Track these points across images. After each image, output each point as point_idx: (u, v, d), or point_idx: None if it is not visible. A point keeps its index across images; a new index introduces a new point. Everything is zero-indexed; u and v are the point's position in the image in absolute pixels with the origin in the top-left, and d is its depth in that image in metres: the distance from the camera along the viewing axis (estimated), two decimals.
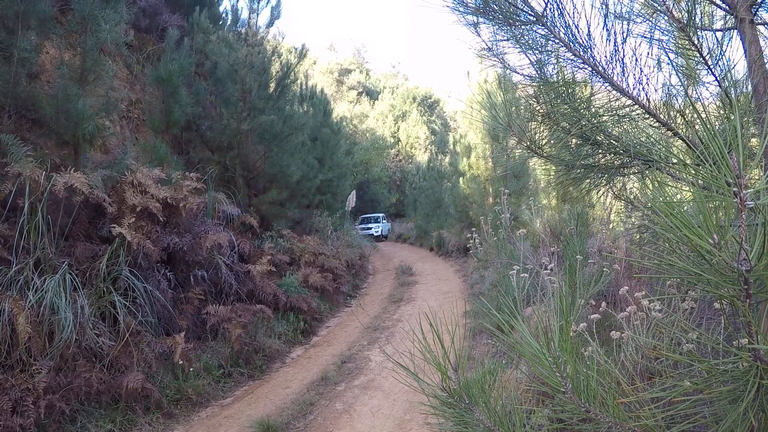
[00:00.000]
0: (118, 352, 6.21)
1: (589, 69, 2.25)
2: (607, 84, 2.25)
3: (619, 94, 2.25)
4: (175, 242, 7.79)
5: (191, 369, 6.90)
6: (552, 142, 2.86)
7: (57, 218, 6.47)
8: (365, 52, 62.59)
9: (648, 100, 2.22)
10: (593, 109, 2.46)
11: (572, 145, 2.76)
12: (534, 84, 2.70)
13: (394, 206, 39.13)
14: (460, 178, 18.48)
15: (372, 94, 50.99)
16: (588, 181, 2.88)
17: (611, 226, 8.13)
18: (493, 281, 10.23)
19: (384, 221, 36.91)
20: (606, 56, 2.17)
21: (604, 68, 2.19)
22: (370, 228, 34.86)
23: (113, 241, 6.93)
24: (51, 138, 7.26)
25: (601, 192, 3.21)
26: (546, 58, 2.48)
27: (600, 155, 2.60)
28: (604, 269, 4.02)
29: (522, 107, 3.11)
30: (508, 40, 2.60)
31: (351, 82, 51.95)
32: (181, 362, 6.73)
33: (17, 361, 5.30)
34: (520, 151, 3.09)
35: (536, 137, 2.90)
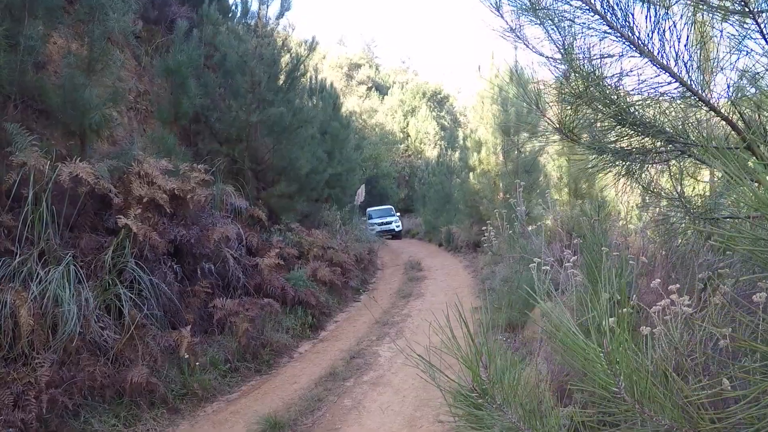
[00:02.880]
0: (123, 346, 6.10)
1: (627, 43, 2.11)
2: (646, 59, 2.11)
3: (659, 69, 2.10)
4: (182, 234, 7.67)
5: (197, 363, 6.78)
6: (582, 124, 2.71)
7: (62, 209, 6.34)
8: (375, 47, 62.44)
9: (690, 78, 2.08)
10: (627, 89, 2.32)
11: (604, 128, 2.62)
12: (561, 62, 2.55)
13: (402, 201, 38.90)
14: (470, 173, 18.32)
15: (381, 89, 50.83)
16: (618, 168, 2.74)
17: (622, 222, 7.98)
18: (505, 277, 10.08)
19: (397, 215, 33.11)
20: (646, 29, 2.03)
21: (643, 42, 2.05)
22: (389, 223, 31.52)
23: (119, 233, 6.82)
24: (57, 128, 7.15)
25: (629, 181, 3.07)
26: (579, 30, 2.34)
27: (635, 138, 2.46)
28: (631, 261, 3.86)
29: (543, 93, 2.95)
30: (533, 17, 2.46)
31: (360, 77, 51.80)
32: (186, 356, 6.61)
33: (19, 354, 5.19)
34: (548, 135, 2.92)
35: (565, 119, 2.74)
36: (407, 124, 44.38)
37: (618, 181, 3.09)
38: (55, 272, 5.76)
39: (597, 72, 2.46)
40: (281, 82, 12.88)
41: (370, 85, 51.37)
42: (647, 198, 3.67)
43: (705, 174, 3.50)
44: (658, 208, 4.63)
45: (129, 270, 6.65)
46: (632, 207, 8.43)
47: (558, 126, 2.74)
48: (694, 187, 2.98)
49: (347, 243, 14.76)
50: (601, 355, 1.51)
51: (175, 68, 9.77)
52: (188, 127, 11.40)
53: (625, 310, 1.56)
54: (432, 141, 42.06)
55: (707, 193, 3.23)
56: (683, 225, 3.32)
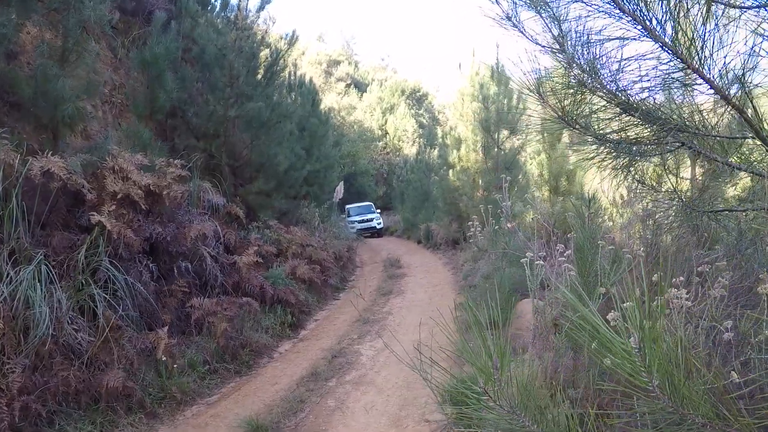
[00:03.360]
0: (98, 349, 5.88)
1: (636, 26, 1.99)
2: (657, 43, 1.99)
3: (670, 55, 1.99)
4: (157, 232, 7.45)
5: (175, 366, 6.59)
6: (583, 113, 2.58)
7: (33, 206, 6.10)
8: (354, 44, 62.17)
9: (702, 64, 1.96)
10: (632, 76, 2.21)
11: (607, 117, 2.50)
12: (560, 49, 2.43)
13: (380, 199, 38.73)
14: (450, 171, 18.24)
15: (360, 87, 50.65)
16: (617, 161, 2.63)
17: (606, 217, 7.92)
18: (486, 273, 9.99)
19: (377, 212, 31.73)
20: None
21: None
22: (370, 220, 30.26)
23: (92, 231, 6.59)
24: (29, 122, 6.91)
25: (626, 175, 2.98)
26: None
27: (638, 128, 2.35)
28: (627, 255, 3.75)
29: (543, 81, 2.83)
30: None
31: (339, 73, 51.56)
32: (164, 359, 6.41)
33: None
34: (548, 121, 2.79)
35: (568, 107, 2.61)
36: (386, 121, 44.27)
37: (617, 175, 2.99)
38: (25, 272, 5.53)
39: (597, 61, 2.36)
40: (260, 76, 12.67)
41: (349, 82, 51.14)
42: (641, 192, 3.57)
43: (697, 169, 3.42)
44: (648, 203, 4.53)
45: (103, 269, 6.43)
46: (615, 202, 8.39)
47: (560, 114, 2.60)
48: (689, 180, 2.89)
49: (326, 240, 14.60)
50: (635, 350, 1.37)
51: (152, 60, 9.52)
52: (164, 122, 11.14)
53: (658, 301, 1.43)
54: (410, 139, 42.00)
55: (706, 184, 3.14)
56: (679, 218, 3.24)
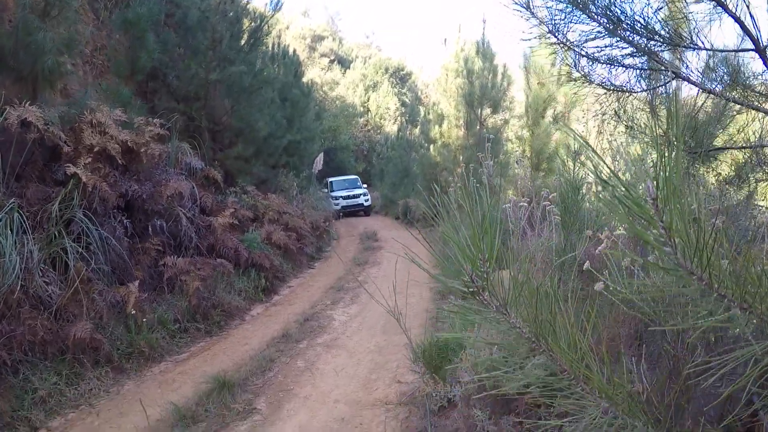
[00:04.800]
0: (67, 300, 5.82)
1: None
2: None
3: None
4: (134, 189, 7.37)
5: (144, 320, 6.53)
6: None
7: (8, 157, 6.01)
8: (339, 21, 61.82)
9: None
10: None
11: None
12: None
13: (360, 176, 38.56)
14: (431, 146, 18.23)
15: (344, 63, 50.28)
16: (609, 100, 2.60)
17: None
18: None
19: (365, 187, 28.31)
20: None
21: None
22: (356, 197, 26.70)
23: (68, 183, 6.51)
24: (9, 76, 6.76)
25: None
26: None
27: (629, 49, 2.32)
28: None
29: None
30: None
31: (323, 49, 51.08)
32: (134, 312, 6.35)
33: None
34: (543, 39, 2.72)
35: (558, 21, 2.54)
36: (368, 98, 44.06)
37: (605, 121, 2.96)
38: None
39: None
40: (243, 42, 12.50)
41: (332, 58, 50.72)
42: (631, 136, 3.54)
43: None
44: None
45: (77, 221, 6.35)
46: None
47: (551, 29, 2.56)
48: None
49: (303, 210, 14.52)
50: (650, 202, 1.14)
51: (134, 20, 9.35)
52: (145, 84, 10.97)
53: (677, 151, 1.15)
54: (392, 117, 41.87)
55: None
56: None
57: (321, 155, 20.20)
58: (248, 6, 13.25)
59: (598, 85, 2.57)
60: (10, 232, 5.51)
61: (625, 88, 2.54)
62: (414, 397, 4.70)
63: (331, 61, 49.75)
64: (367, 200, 27.12)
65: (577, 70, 2.68)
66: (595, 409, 1.53)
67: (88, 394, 5.41)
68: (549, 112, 12.99)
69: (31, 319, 5.33)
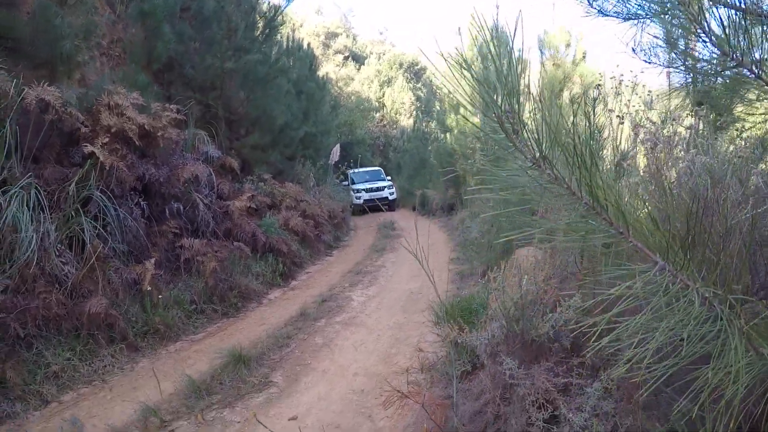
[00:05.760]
0: (83, 278, 5.77)
1: None
2: None
3: None
4: (151, 173, 7.32)
5: (160, 297, 6.48)
6: None
7: (26, 140, 5.98)
8: (352, 17, 61.76)
9: None
10: None
11: None
12: None
13: None
14: (447, 134, 18.10)
15: (358, 59, 50.15)
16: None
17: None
18: (483, 231, 9.90)
19: (389, 179, 25.78)
20: None
21: None
22: (381, 189, 23.83)
23: (85, 163, 6.48)
24: (26, 63, 6.73)
25: None
26: None
27: None
28: None
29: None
30: None
31: (338, 46, 50.98)
32: (149, 289, 6.29)
33: None
34: None
35: None
36: (383, 94, 43.91)
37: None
38: (15, 194, 5.42)
39: None
40: (258, 32, 12.47)
41: (347, 54, 50.60)
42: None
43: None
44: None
45: (94, 201, 6.31)
46: None
47: None
48: None
49: (320, 200, 14.46)
50: None
51: (150, 11, 9.38)
52: (161, 75, 10.93)
53: None
54: (408, 111, 41.70)
55: None
56: None
57: (338, 146, 20.08)
58: None
59: (612, 15, 2.44)
60: (26, 208, 5.48)
61: (639, 13, 2.40)
62: (435, 366, 4.61)
63: (346, 58, 49.68)
64: (392, 193, 24.32)
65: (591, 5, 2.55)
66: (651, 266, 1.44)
67: (102, 371, 5.38)
68: (565, 94, 12.81)
69: (46, 293, 5.29)
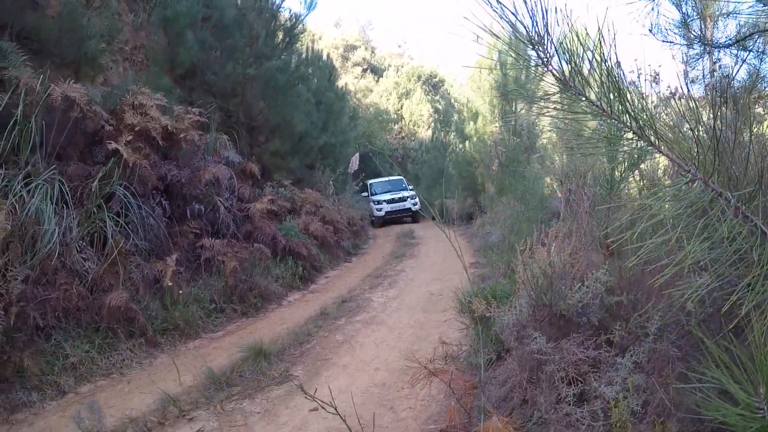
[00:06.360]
0: (104, 271, 5.77)
1: None
2: None
3: None
4: (173, 173, 7.36)
5: (180, 292, 6.49)
6: None
7: (50, 137, 6.02)
8: (371, 30, 61.90)
9: None
10: None
11: None
12: None
13: None
14: (466, 142, 18.08)
15: (377, 72, 50.32)
16: None
17: None
18: (502, 236, 9.83)
19: (411, 188, 23.62)
20: None
21: None
22: (403, 200, 22.02)
23: (108, 161, 6.51)
24: (52, 62, 6.80)
25: None
26: None
27: None
28: None
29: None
30: None
31: (356, 58, 51.18)
32: (170, 284, 6.28)
33: None
34: None
35: None
36: (401, 106, 43.96)
37: None
38: (38, 187, 5.45)
39: None
40: (278, 40, 12.54)
41: (365, 66, 50.78)
42: None
43: None
44: None
45: (118, 197, 6.33)
46: None
47: None
48: None
49: (339, 207, 14.47)
50: None
51: (173, 18, 9.53)
52: (183, 81, 11.03)
53: None
54: (426, 123, 41.74)
55: None
56: None
57: (357, 155, 20.06)
58: (283, 4, 13.30)
59: None
60: (50, 201, 5.49)
61: None
62: (459, 358, 4.54)
63: (364, 70, 49.86)
64: (415, 204, 22.08)
65: None
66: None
67: (120, 364, 5.38)
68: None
69: (67, 285, 5.30)
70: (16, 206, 5.18)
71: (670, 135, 1.54)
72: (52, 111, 5.97)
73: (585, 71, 1.71)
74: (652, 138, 1.54)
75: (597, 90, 1.68)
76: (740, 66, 3.33)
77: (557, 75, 1.76)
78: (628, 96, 1.61)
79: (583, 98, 1.70)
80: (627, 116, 1.62)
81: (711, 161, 1.43)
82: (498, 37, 1.86)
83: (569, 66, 1.72)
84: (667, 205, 1.51)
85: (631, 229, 1.54)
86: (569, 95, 1.76)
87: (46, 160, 5.99)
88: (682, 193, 1.51)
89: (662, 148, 1.53)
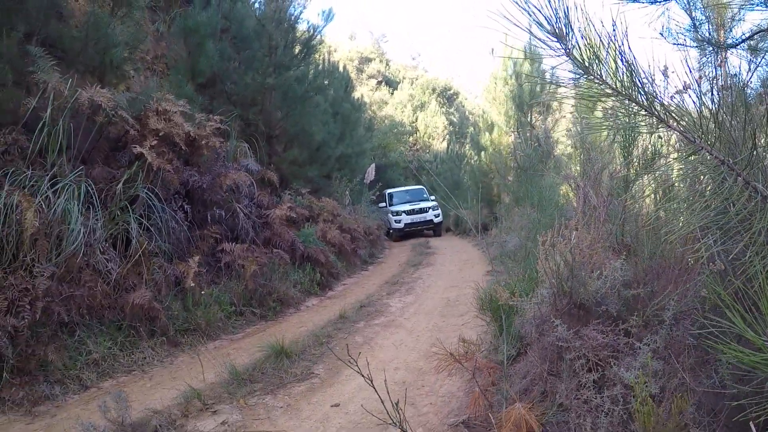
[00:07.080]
0: (127, 271, 5.88)
1: None
2: None
3: None
4: (194, 179, 7.47)
5: (203, 292, 6.58)
6: None
7: (77, 140, 6.14)
8: (385, 43, 62.08)
9: None
10: None
11: None
12: None
13: None
14: (482, 153, 18.12)
15: (391, 84, 50.49)
16: None
17: None
18: (519, 244, 9.84)
19: (433, 199, 21.73)
20: None
21: None
22: (424, 211, 20.49)
23: (133, 165, 6.63)
24: (77, 69, 6.96)
25: None
26: None
27: None
28: None
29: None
30: None
31: (371, 70, 51.44)
32: (192, 285, 6.37)
33: (20, 262, 4.97)
34: None
35: None
36: (416, 118, 44.09)
37: None
38: (65, 188, 5.56)
39: None
40: (297, 51, 12.68)
41: (380, 79, 51.01)
42: None
43: None
44: None
45: (142, 199, 6.43)
46: None
47: None
48: None
49: (356, 217, 14.54)
50: None
51: (194, 27, 9.67)
52: (203, 90, 11.17)
53: None
54: (441, 135, 41.81)
55: None
56: None
57: (372, 166, 20.02)
58: (301, 15, 13.45)
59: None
60: (76, 202, 5.60)
61: None
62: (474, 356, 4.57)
63: (379, 83, 50.06)
64: (437, 215, 20.75)
65: None
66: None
67: (142, 362, 5.46)
68: (599, 105, 12.75)
69: (92, 283, 5.40)
70: (44, 206, 5.28)
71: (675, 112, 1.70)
72: (79, 115, 6.10)
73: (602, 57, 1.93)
74: (662, 114, 1.69)
75: (612, 74, 1.93)
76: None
77: (579, 61, 1.98)
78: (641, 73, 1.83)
79: (600, 82, 1.96)
80: (638, 94, 1.86)
81: (713, 131, 1.57)
82: (530, 32, 2.03)
83: (588, 53, 1.95)
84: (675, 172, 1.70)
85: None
86: (588, 79, 2.01)
87: (72, 162, 6.11)
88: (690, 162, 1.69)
89: (670, 122, 1.67)
